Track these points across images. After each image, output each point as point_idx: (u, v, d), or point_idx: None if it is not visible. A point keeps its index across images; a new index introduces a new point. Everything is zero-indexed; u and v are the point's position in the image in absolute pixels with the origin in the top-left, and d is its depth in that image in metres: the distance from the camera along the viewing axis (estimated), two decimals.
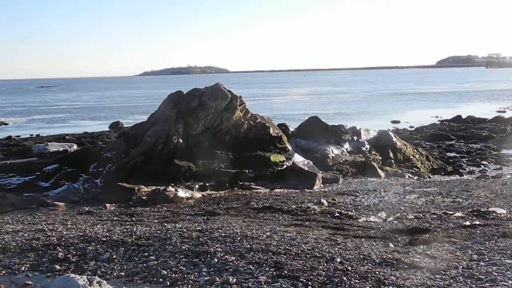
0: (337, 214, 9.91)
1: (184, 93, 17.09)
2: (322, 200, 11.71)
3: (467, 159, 22.75)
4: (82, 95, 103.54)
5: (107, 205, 12.35)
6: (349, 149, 18.73)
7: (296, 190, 13.97)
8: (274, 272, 5.51)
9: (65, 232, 7.74)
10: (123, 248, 6.58)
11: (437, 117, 41.56)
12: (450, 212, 9.83)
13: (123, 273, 5.72)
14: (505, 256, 5.99)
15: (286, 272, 5.49)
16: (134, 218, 9.94)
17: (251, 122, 17.00)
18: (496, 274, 5.34)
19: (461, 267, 5.69)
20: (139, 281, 5.49)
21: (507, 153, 24.08)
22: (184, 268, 5.73)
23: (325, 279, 5.27)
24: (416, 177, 17.34)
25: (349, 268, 5.58)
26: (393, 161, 19.08)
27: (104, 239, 7.03)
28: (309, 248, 6.39)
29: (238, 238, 6.85)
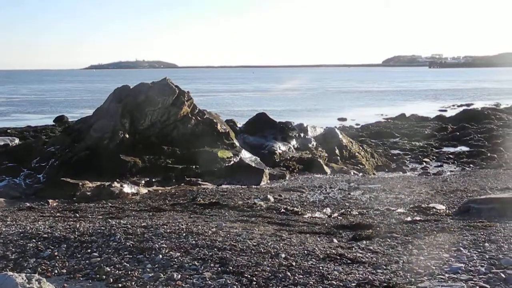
0: (283, 210, 10.00)
1: (131, 87, 16.85)
2: (269, 196, 11.78)
3: (410, 156, 23.37)
4: (19, 88, 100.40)
5: (50, 201, 12.08)
6: (296, 146, 18.92)
7: (243, 186, 14.01)
8: (219, 268, 5.51)
9: (4, 229, 7.51)
10: (65, 245, 6.44)
11: (382, 115, 42.47)
12: (393, 208, 10.08)
13: (64, 270, 5.60)
14: (442, 250, 6.18)
15: (231, 268, 5.50)
16: (77, 214, 9.74)
17: (199, 118, 16.92)
18: (434, 268, 5.50)
19: (402, 261, 5.83)
20: (81, 278, 5.39)
21: (447, 150, 24.88)
22: (128, 265, 5.66)
23: (270, 274, 5.31)
24: (361, 174, 17.68)
25: (294, 263, 5.63)
26: (339, 157, 19.40)
27: (46, 235, 6.86)
28: (254, 244, 6.41)
29: (184, 234, 6.81)
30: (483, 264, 5.53)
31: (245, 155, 16.39)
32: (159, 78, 17.28)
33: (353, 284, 5.04)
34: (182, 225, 7.55)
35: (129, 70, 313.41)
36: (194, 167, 15.14)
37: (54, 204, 11.77)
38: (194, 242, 6.44)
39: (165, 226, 7.38)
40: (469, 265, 5.53)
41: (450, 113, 42.45)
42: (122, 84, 17.35)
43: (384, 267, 5.61)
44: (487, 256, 5.79)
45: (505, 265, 5.43)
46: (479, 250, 6.09)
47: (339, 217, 9.40)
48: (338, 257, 5.95)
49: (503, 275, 5.11)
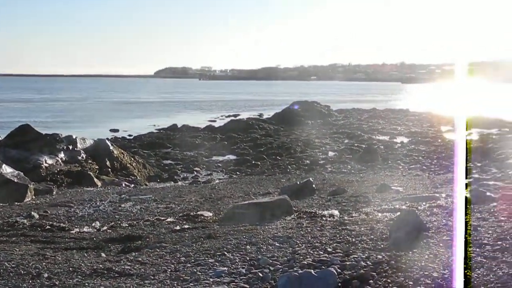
0: (48, 227, 9.47)
1: None
2: (33, 213, 11.08)
3: (181, 166, 23.86)
4: None
5: None
6: (64, 159, 18.09)
7: (4, 204, 12.94)
8: None
9: None
10: None
11: (154, 125, 42.78)
12: (163, 218, 10.18)
13: None
14: (208, 255, 6.43)
15: None
16: None
17: None
18: (200, 273, 5.70)
19: (169, 270, 5.93)
20: None
21: (217, 159, 26.02)
22: None
23: None
24: (132, 185, 17.57)
25: (57, 282, 5.38)
26: (110, 169, 19.03)
27: None
28: (13, 265, 5.98)
29: None
30: (244, 266, 5.89)
31: (7, 170, 15.14)
32: None
33: None
34: None
35: None
36: None
37: None
38: None
39: None
40: (232, 268, 5.84)
41: (219, 123, 44.43)
42: None
43: (152, 278, 5.65)
44: (248, 258, 6.18)
45: (262, 264, 5.84)
46: (241, 253, 6.46)
47: (108, 230, 9.21)
48: (106, 272, 5.84)
49: (260, 274, 5.50)
